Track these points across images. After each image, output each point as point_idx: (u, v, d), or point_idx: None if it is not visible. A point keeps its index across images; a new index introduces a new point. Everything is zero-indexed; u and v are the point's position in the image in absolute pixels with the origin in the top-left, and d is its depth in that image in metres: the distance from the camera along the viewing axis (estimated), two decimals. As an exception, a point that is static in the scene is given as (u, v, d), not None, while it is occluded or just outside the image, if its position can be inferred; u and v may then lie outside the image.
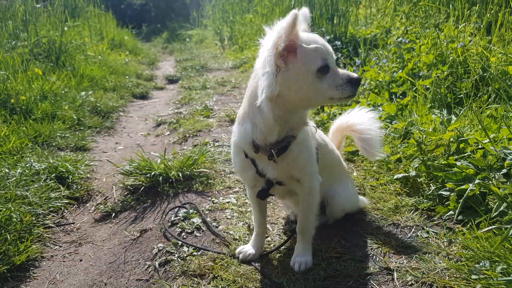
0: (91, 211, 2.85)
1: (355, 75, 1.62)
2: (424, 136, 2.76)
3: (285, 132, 1.70)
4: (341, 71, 1.63)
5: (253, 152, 1.74)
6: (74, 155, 3.61)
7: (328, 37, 6.32)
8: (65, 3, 9.35)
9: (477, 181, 2.20)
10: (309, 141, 1.85)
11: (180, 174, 2.92)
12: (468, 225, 2.14)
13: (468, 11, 4.48)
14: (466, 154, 2.54)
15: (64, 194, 2.92)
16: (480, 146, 2.52)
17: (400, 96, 3.94)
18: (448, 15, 4.60)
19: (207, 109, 5.02)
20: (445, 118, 2.87)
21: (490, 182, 2.18)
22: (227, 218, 2.47)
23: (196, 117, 4.75)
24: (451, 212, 2.27)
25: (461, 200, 2.19)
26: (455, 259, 1.91)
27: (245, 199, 2.71)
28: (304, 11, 1.70)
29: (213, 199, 2.73)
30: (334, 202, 2.23)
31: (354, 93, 1.62)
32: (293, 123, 1.71)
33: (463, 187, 2.23)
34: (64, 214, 2.78)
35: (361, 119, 2.36)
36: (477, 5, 4.52)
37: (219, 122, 4.52)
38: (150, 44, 16.67)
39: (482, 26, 4.15)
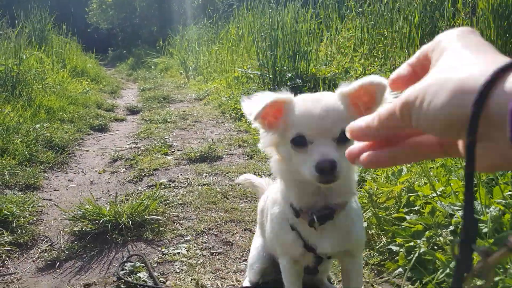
0: (34, 258, 2.71)
1: (322, 158, 1.21)
2: (376, 187, 2.79)
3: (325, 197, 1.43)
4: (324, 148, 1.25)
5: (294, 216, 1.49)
6: (22, 195, 3.45)
7: (290, 75, 6.43)
8: (31, 30, 9.19)
9: (424, 238, 2.23)
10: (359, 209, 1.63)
11: (130, 221, 2.83)
12: (417, 283, 2.15)
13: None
14: (416, 208, 2.57)
15: (6, 240, 2.77)
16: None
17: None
18: (405, 59, 4.77)
19: (166, 145, 4.95)
20: (397, 168, 2.92)
21: (438, 239, 2.22)
22: (176, 272, 2.39)
23: (154, 154, 4.67)
24: (400, 269, 2.28)
25: (410, 257, 2.21)
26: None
27: (196, 250, 2.65)
28: None
29: (163, 249, 2.65)
30: None
31: (321, 180, 1.24)
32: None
33: (411, 243, 2.25)
34: (5, 262, 2.63)
35: None
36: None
37: (177, 160, 4.45)
38: (115, 69, 16.54)
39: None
